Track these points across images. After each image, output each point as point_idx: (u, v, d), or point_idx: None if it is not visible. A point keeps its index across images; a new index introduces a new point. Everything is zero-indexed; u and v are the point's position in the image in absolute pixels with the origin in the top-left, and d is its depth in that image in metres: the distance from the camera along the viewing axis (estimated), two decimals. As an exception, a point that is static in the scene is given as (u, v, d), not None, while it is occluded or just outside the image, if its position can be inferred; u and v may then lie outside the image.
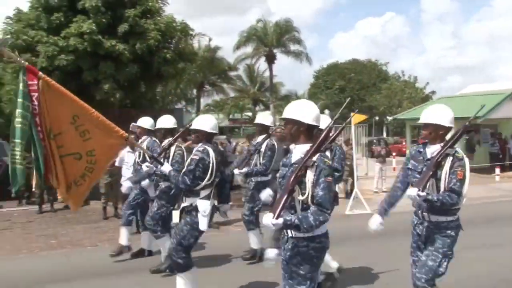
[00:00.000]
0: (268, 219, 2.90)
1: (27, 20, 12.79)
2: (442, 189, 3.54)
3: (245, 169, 6.13)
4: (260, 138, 6.37)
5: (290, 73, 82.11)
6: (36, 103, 3.79)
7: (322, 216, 2.91)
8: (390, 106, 37.66)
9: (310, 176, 2.96)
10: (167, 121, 5.96)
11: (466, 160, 3.56)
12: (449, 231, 3.63)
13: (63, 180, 3.95)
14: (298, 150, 3.13)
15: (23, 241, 7.99)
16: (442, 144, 3.59)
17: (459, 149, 3.62)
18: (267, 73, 36.46)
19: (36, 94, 3.78)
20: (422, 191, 3.42)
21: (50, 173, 3.91)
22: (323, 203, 2.92)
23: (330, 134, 5.01)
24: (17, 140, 3.65)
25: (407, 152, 4.01)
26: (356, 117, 11.04)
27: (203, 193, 4.42)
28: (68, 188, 4.01)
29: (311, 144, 3.06)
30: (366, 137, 19.29)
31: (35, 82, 3.80)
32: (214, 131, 4.58)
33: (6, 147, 13.64)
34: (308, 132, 3.14)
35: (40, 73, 3.89)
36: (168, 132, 5.91)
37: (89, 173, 4.04)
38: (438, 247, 3.61)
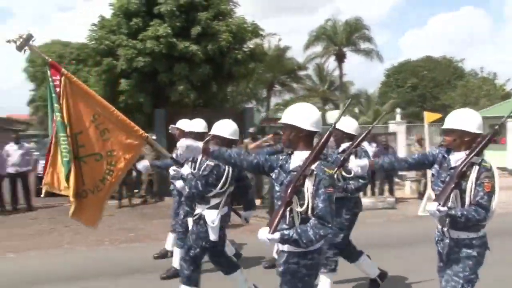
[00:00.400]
0: (264, 233, 2.74)
1: (109, 26, 13.62)
2: (467, 202, 3.16)
3: None
4: None
5: (360, 72, 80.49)
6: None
7: (323, 230, 2.73)
8: (466, 104, 35.91)
9: (309, 186, 2.78)
10: (197, 125, 5.59)
11: (495, 170, 3.20)
12: (471, 251, 3.18)
13: (74, 186, 3.75)
14: (297, 157, 2.95)
15: (106, 233, 8.53)
16: (467, 151, 3.22)
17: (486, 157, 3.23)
18: (336, 72, 36.09)
19: (57, 89, 3.75)
20: (444, 205, 3.06)
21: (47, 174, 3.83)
22: (323, 216, 2.73)
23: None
24: (62, 134, 3.69)
25: (433, 149, 3.65)
26: (430, 116, 10.70)
27: (213, 202, 4.25)
28: (78, 195, 3.80)
29: (310, 151, 2.87)
30: (440, 136, 18.59)
31: (58, 77, 3.75)
32: (233, 137, 4.36)
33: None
34: (307, 138, 2.96)
35: (63, 69, 3.83)
36: (199, 136, 5.23)
37: (109, 176, 3.92)
38: (458, 271, 3.20)
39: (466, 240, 3.20)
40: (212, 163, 4.17)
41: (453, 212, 3.08)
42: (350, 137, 4.72)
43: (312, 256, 2.87)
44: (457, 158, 3.26)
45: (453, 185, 3.12)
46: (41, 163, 12.55)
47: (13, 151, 11.00)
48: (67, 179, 3.72)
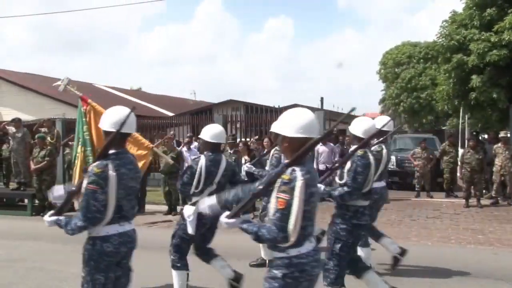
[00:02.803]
0: (46, 217, 3.13)
1: (460, 20, 13.38)
2: None
3: None
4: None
5: None
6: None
7: (79, 222, 2.97)
8: None
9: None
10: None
11: (300, 182, 2.51)
12: (275, 271, 2.64)
13: None
14: None
15: (452, 231, 8.45)
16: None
17: (298, 168, 2.55)
18: None
19: (86, 115, 5.13)
20: (233, 217, 2.64)
21: None
22: (79, 209, 2.98)
23: None
24: (88, 148, 4.91)
25: None
26: None
27: (194, 199, 4.55)
28: None
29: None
30: None
31: (85, 107, 5.12)
32: (213, 141, 4.55)
33: (436, 142, 14.68)
34: (122, 140, 3.19)
35: (89, 100, 5.16)
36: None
37: None
38: None
39: (275, 260, 2.70)
40: (187, 164, 4.76)
41: (245, 226, 2.65)
42: (357, 139, 4.44)
43: (93, 242, 3.08)
44: None
45: (247, 200, 2.68)
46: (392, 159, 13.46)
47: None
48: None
